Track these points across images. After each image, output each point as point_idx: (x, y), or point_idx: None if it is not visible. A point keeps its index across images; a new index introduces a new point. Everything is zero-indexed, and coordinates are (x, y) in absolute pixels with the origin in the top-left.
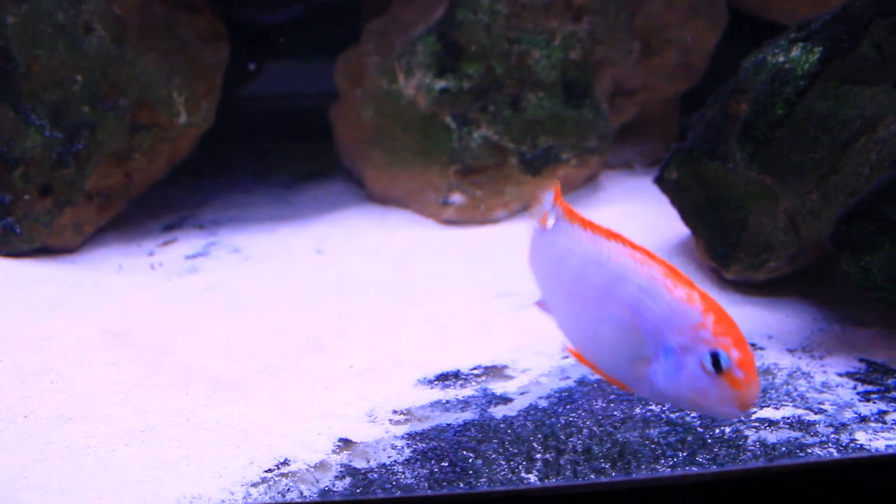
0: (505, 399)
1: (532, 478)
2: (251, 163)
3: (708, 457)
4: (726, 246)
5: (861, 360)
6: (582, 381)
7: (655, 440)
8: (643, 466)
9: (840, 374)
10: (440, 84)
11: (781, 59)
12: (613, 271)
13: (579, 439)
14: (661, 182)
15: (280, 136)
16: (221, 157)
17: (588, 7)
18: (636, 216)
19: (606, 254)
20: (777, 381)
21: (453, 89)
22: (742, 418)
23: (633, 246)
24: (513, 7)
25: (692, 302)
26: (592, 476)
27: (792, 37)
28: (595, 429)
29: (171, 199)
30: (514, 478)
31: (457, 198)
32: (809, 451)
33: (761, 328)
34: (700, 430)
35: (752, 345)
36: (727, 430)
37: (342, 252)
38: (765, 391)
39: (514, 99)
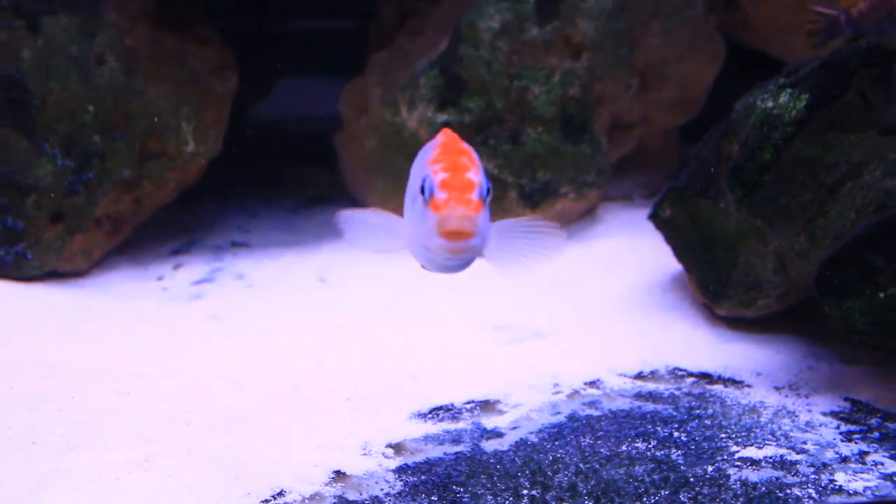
0: (496, 434)
1: None
2: (259, 187)
3: (689, 495)
4: (717, 284)
5: (846, 399)
6: (572, 417)
7: (639, 478)
8: None
9: (824, 414)
10: (441, 117)
11: (770, 104)
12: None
13: (566, 476)
14: (655, 219)
15: (287, 160)
16: (229, 182)
17: (587, 45)
18: (632, 250)
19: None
20: (762, 419)
21: (454, 123)
22: (450, 256)
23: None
24: (513, 44)
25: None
26: None
27: (781, 82)
28: (581, 465)
29: (178, 222)
30: None
31: None
32: (789, 490)
33: (750, 365)
34: (683, 468)
35: (740, 382)
36: (709, 468)
37: (344, 281)
38: (749, 430)
39: (514, 133)
